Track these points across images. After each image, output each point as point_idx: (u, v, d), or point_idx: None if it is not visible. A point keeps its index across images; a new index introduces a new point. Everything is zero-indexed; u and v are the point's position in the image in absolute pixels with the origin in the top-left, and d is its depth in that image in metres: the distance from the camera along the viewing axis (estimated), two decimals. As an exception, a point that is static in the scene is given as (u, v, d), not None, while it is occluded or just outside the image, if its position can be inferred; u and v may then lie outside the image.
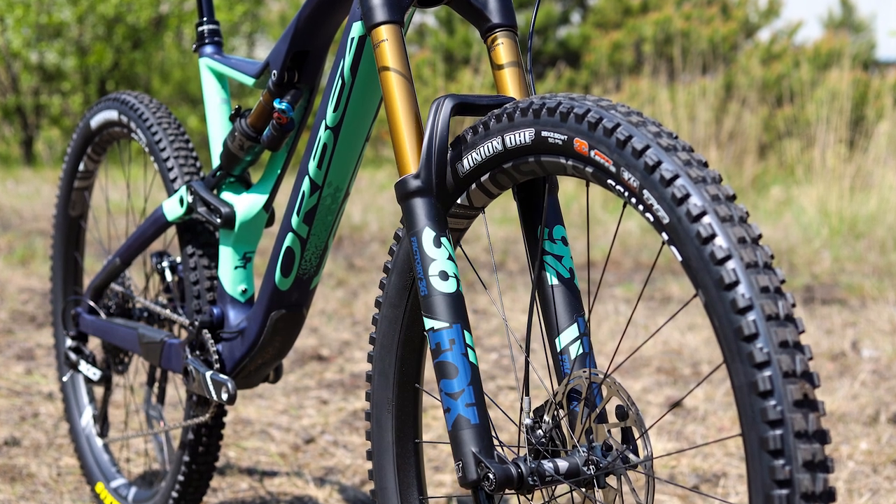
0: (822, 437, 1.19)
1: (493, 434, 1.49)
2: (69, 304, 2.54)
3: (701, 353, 4.06)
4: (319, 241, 1.92)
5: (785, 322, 1.20)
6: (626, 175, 1.32)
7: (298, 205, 1.87)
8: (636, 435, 1.41)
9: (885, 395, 3.53)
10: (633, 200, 1.32)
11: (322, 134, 1.80)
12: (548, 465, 1.45)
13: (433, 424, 3.16)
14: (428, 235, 1.52)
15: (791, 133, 9.02)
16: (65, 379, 2.63)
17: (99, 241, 2.75)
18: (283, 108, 1.93)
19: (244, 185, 2.14)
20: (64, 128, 13.96)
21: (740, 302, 1.20)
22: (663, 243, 1.29)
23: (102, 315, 2.43)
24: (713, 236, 1.23)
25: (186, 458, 2.24)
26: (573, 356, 1.51)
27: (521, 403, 1.51)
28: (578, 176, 1.40)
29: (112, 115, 2.40)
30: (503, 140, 1.47)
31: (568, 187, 8.05)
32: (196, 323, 2.10)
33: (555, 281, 1.53)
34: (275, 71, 1.95)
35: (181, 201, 2.16)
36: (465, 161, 1.53)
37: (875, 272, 5.75)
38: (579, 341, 1.51)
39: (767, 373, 1.18)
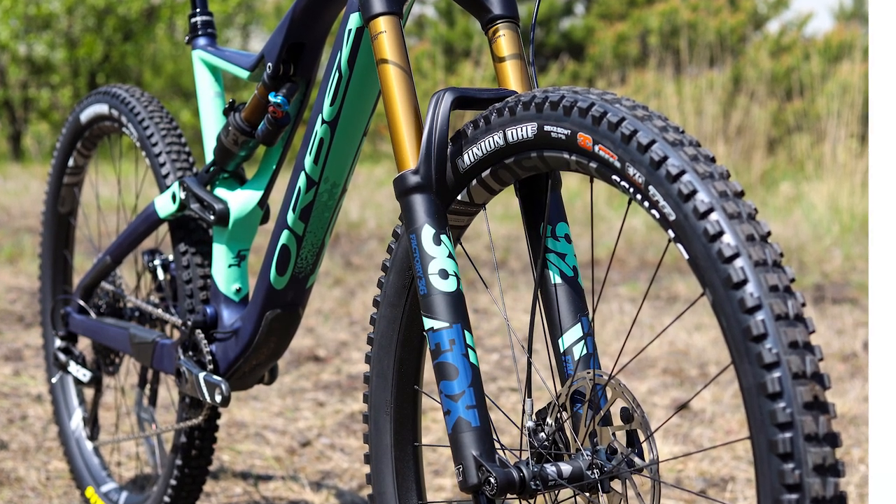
0: (832, 440, 1.17)
1: (495, 437, 1.48)
2: (58, 303, 2.52)
3: (708, 354, 4.03)
4: (316, 239, 1.90)
5: (794, 322, 1.19)
6: (631, 171, 1.30)
7: (294, 201, 1.86)
8: (641, 438, 1.40)
9: None
10: (639, 197, 1.30)
11: (318, 128, 1.79)
12: (551, 468, 1.44)
13: (433, 427, 3.14)
14: (427, 233, 1.50)
15: (801, 127, 9.00)
16: (54, 380, 2.62)
17: (89, 239, 2.73)
18: (279, 101, 1.92)
19: (238, 181, 2.12)
20: (53, 122, 13.99)
21: (749, 301, 1.19)
22: (669, 241, 1.28)
23: (92, 315, 2.41)
24: (721, 233, 1.22)
25: (179, 462, 2.22)
26: (577, 357, 1.49)
27: (524, 405, 1.50)
28: (582, 171, 1.40)
29: (102, 109, 2.38)
30: (505, 135, 1.46)
31: (571, 183, 8.03)
32: (189, 323, 2.08)
33: (558, 280, 1.52)
34: (270, 63, 1.94)
35: (173, 198, 2.14)
36: (465, 156, 1.51)
37: (884, 271, 5.71)
38: (583, 341, 1.50)
39: (776, 374, 1.16)
